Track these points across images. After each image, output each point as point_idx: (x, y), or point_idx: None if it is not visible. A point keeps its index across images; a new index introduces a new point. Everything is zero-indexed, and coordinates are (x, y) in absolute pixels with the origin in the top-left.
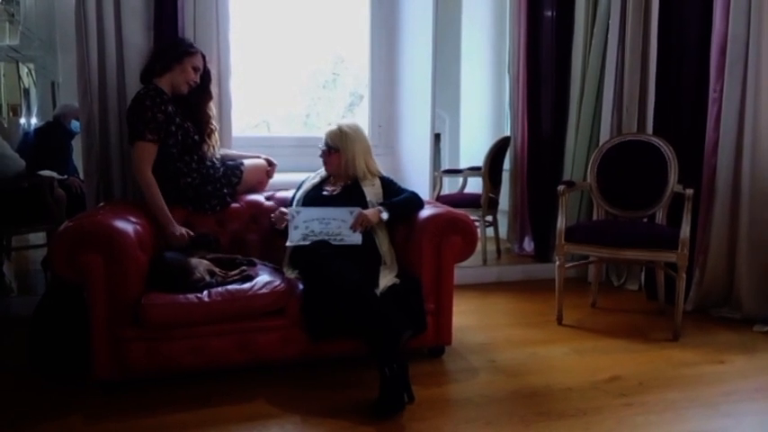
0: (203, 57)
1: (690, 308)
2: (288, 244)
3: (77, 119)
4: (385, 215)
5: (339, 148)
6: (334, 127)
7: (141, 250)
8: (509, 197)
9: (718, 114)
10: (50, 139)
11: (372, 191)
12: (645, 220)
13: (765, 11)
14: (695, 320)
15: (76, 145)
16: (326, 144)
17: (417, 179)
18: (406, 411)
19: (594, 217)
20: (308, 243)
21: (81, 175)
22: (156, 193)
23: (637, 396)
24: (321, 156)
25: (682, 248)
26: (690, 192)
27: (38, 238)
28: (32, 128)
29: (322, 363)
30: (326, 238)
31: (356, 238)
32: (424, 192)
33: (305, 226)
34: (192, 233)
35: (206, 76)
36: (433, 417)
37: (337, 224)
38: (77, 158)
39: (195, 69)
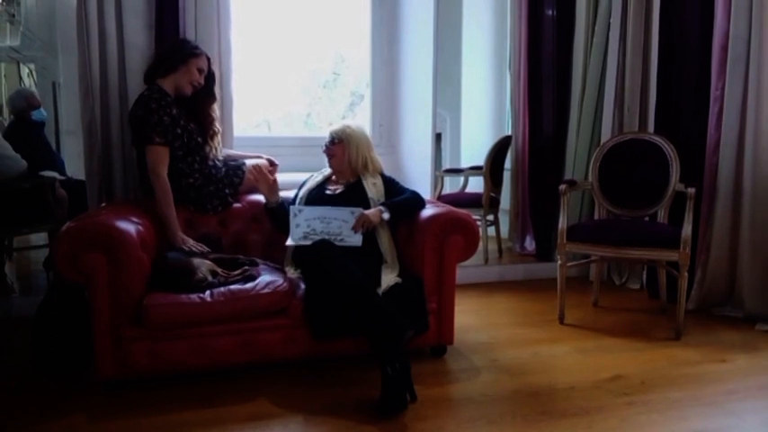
0: (208, 59)
1: (692, 307)
2: (288, 242)
3: (37, 107)
4: (386, 215)
5: (343, 139)
6: (336, 125)
7: (144, 251)
8: (510, 196)
9: (720, 113)
10: (18, 138)
11: (374, 189)
12: (646, 219)
13: (767, 9)
14: (697, 319)
15: (78, 145)
16: (331, 137)
17: (418, 178)
18: (409, 411)
19: (596, 216)
20: (308, 243)
21: (68, 171)
22: (169, 199)
23: (639, 395)
24: (325, 151)
25: (683, 247)
26: (692, 191)
27: (39, 238)
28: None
29: (324, 362)
30: (327, 237)
31: (357, 240)
32: (426, 191)
33: (306, 224)
34: (196, 247)
35: (210, 78)
36: (436, 416)
37: (338, 224)
38: (78, 159)
39: (200, 71)
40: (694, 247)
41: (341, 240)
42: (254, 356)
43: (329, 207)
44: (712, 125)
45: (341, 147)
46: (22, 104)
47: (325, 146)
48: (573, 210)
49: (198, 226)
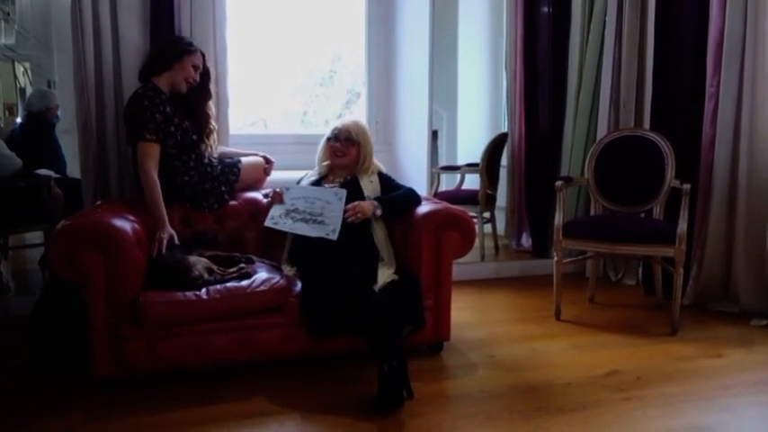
0: (203, 55)
1: (687, 302)
2: (267, 223)
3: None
4: (378, 211)
5: (361, 142)
6: (349, 121)
7: (139, 248)
8: (507, 193)
9: (715, 109)
10: (29, 136)
11: (370, 187)
12: (642, 215)
13: (762, 5)
14: (693, 315)
15: (73, 143)
16: (347, 137)
17: (415, 176)
18: (406, 407)
19: (592, 212)
20: (289, 222)
21: (68, 170)
22: (158, 194)
23: (635, 390)
24: (339, 147)
25: (679, 243)
26: (687, 187)
27: (35, 237)
28: (16, 126)
29: (321, 360)
30: (309, 217)
31: (335, 222)
32: (422, 188)
33: (291, 203)
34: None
35: (205, 75)
36: (433, 412)
37: (321, 205)
38: (74, 157)
39: (195, 68)
40: (690, 242)
41: (321, 221)
42: (251, 354)
43: (315, 187)
44: (708, 121)
45: (356, 149)
46: (47, 103)
47: (339, 142)
48: (569, 206)
49: (194, 224)
